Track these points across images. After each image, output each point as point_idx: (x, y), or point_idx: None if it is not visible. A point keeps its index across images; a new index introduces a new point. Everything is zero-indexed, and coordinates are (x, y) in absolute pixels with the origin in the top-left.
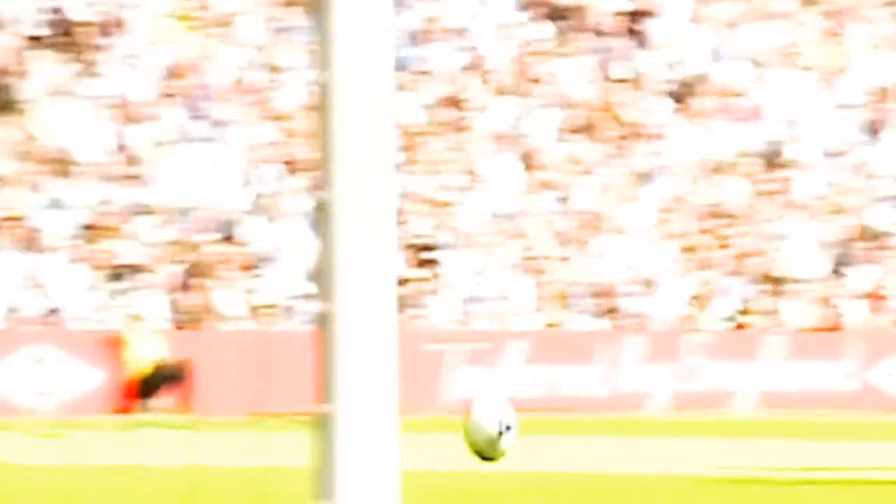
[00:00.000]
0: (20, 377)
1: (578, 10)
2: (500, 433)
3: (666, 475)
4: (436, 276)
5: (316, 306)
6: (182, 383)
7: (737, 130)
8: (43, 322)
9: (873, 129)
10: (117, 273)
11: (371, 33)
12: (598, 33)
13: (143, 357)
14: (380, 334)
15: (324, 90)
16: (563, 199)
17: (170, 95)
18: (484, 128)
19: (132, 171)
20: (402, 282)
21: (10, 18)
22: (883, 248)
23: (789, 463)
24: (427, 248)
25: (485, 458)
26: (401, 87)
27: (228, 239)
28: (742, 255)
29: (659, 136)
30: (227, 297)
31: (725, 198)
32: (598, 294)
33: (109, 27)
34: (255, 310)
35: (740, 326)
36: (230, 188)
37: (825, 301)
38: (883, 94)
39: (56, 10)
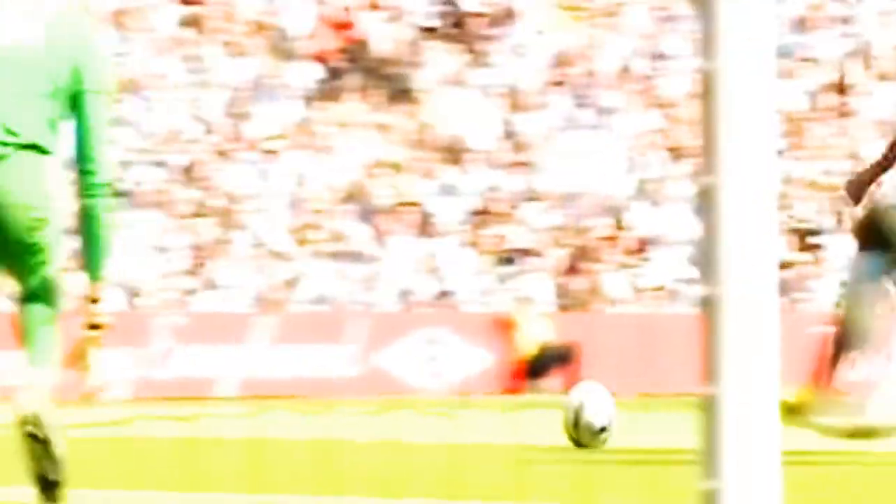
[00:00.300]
0: (413, 358)
1: None
2: (604, 429)
3: None
4: (819, 260)
5: (699, 290)
6: (569, 365)
7: None
8: (436, 305)
9: None
10: (507, 257)
11: (755, 21)
12: None
13: (531, 339)
14: (763, 318)
15: (708, 78)
16: None
17: (557, 84)
18: (867, 114)
19: (521, 157)
20: (786, 266)
21: (406, 11)
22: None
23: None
24: (811, 232)
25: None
26: (785, 74)
27: (614, 224)
28: None
29: None
30: (613, 280)
31: None
32: None
33: (500, 18)
34: (640, 293)
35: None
36: (615, 174)
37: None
38: None
39: (449, 2)
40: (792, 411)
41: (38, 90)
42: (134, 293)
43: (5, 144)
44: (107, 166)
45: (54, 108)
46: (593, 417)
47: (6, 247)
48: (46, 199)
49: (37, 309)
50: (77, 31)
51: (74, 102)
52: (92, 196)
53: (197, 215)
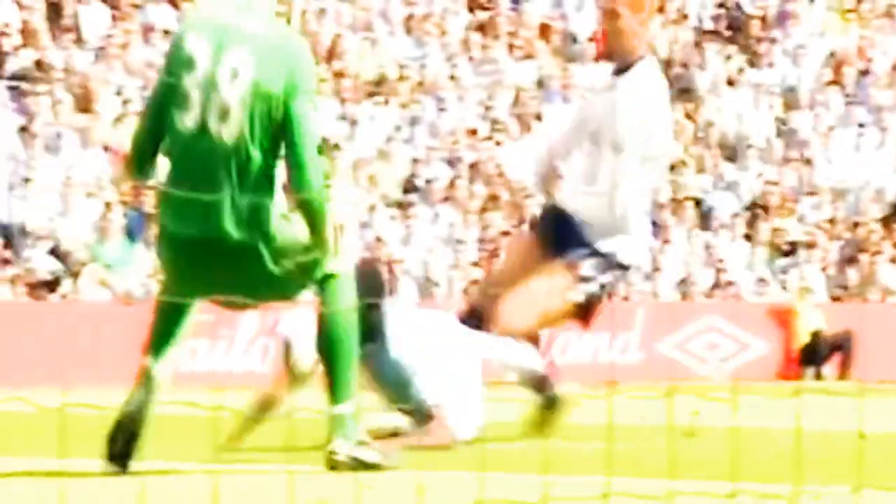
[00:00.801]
0: (693, 346)
1: None
2: None
3: None
4: None
5: None
6: (844, 353)
7: None
8: (714, 295)
9: None
10: (783, 249)
11: None
12: None
13: (807, 328)
14: None
15: None
16: None
17: (832, 83)
18: None
19: (797, 154)
20: None
21: (687, 14)
22: None
23: None
24: None
25: None
26: None
27: (889, 217)
28: None
29: None
30: (888, 272)
31: None
32: None
33: (776, 20)
34: None
35: None
36: (889, 169)
37: None
38: None
39: (728, 6)
40: None
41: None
42: (429, 284)
43: None
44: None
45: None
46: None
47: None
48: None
49: None
50: (287, 47)
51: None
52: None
53: (485, 210)
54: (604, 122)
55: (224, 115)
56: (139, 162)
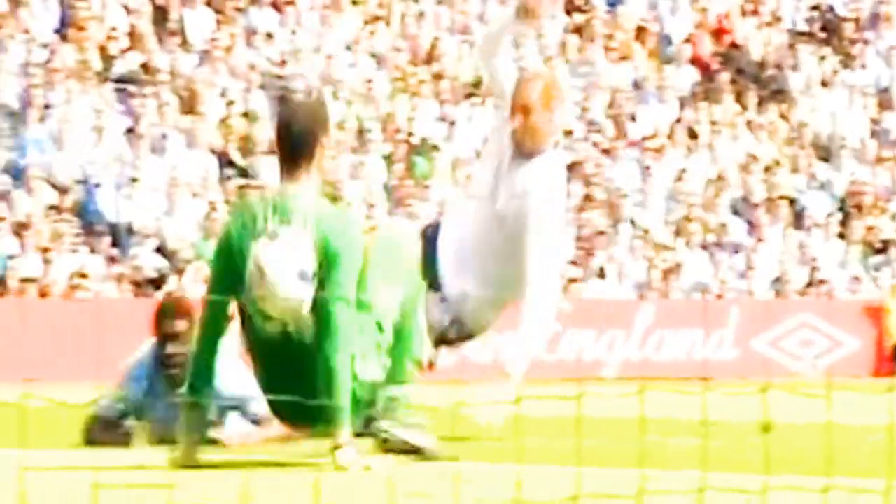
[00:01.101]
0: (788, 342)
1: None
2: None
3: None
4: None
5: None
6: None
7: None
8: (808, 293)
9: None
10: (877, 247)
11: None
12: None
13: None
14: None
15: None
16: None
17: None
18: None
19: (890, 153)
20: None
21: (782, 16)
22: None
23: None
24: None
25: None
26: None
27: None
28: None
29: None
30: None
31: None
32: None
33: (869, 22)
34: None
35: None
36: None
37: None
38: None
39: (821, 7)
40: None
41: None
42: None
43: None
44: None
45: None
46: None
47: None
48: None
49: None
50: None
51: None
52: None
53: (583, 209)
54: (509, 207)
55: None
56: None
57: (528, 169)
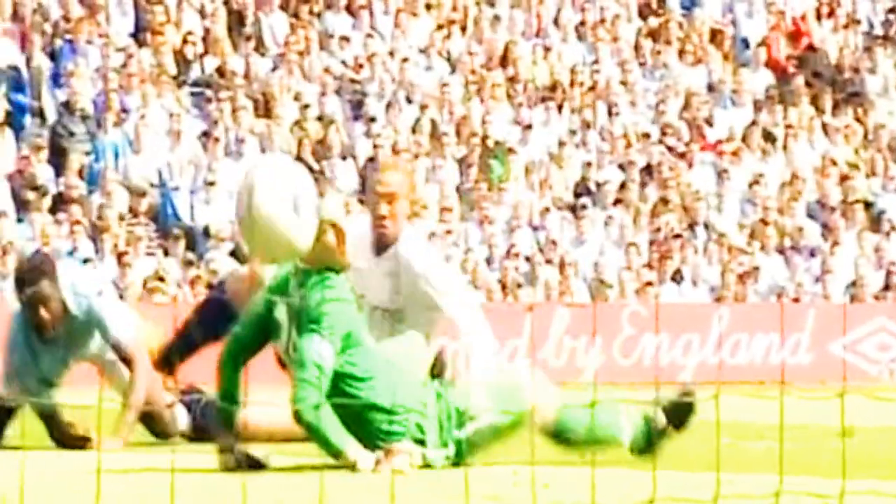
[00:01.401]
0: (864, 346)
1: None
2: None
3: None
4: None
5: None
6: None
7: None
8: (884, 296)
9: None
10: None
11: None
12: None
13: None
14: None
15: None
16: None
17: None
18: None
19: None
20: None
21: (859, 18)
22: None
23: None
24: None
25: None
26: None
27: None
28: None
29: None
30: None
31: None
32: None
33: None
34: None
35: None
36: None
37: None
38: None
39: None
40: None
41: None
42: (602, 286)
43: None
44: None
45: None
46: None
47: None
48: None
49: None
50: None
51: None
52: None
53: (657, 213)
54: (375, 291)
55: None
56: None
57: (391, 255)
